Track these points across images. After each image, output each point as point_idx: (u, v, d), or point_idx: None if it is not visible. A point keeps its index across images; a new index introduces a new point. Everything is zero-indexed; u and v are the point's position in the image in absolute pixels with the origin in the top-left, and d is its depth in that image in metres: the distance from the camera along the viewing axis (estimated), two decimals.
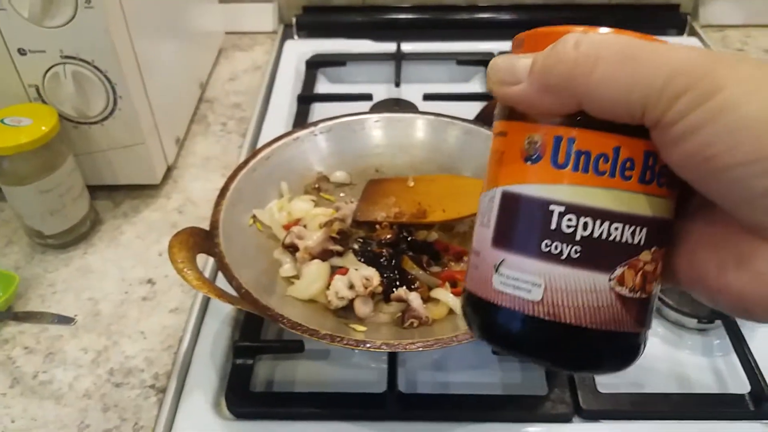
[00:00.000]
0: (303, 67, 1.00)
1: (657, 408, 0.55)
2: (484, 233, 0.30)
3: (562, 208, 0.27)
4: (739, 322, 0.61)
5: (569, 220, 0.27)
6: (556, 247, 0.27)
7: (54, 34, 0.62)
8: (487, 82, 0.31)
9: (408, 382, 0.59)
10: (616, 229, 0.27)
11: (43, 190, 0.65)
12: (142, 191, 0.77)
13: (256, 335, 0.60)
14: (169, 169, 0.80)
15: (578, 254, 0.27)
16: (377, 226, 0.63)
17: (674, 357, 0.61)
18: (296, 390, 0.59)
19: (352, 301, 0.56)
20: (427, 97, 0.90)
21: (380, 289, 0.57)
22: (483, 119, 0.70)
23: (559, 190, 0.27)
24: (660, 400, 0.56)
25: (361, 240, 0.62)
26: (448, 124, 0.71)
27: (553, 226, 0.27)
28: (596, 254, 0.27)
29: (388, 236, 0.62)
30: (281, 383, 0.60)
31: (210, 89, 0.96)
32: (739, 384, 0.58)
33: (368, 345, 0.48)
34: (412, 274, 0.58)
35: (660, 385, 0.59)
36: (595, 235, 0.27)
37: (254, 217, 0.64)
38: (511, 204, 0.29)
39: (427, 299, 0.58)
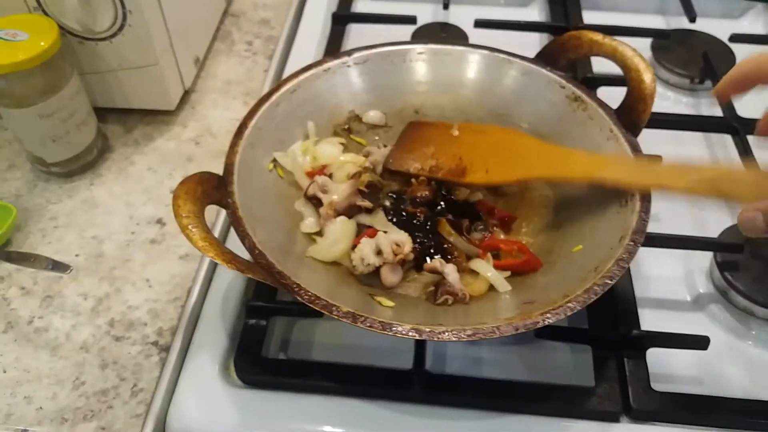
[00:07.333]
0: None
1: (719, 415, 0.49)
2: None
3: None
4: None
5: None
6: None
7: None
8: None
9: (436, 355, 0.53)
10: None
11: (43, 114, 0.58)
12: (156, 117, 0.70)
13: (272, 294, 0.54)
14: (187, 94, 0.72)
15: None
16: (412, 180, 0.55)
17: (738, 348, 0.54)
18: (313, 355, 0.54)
19: (378, 267, 0.50)
20: (479, 23, 0.79)
21: (412, 256, 0.50)
22: (545, 59, 0.60)
23: None
24: (723, 405, 0.49)
25: (393, 196, 0.54)
26: (504, 61, 0.61)
27: None
28: None
29: (425, 193, 0.54)
30: (297, 345, 0.55)
31: (236, 1, 0.86)
32: None
33: (396, 329, 0.42)
34: (450, 242, 0.51)
35: (721, 382, 0.52)
36: None
37: (275, 160, 0.56)
38: None
39: (463, 270, 0.51)
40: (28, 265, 0.52)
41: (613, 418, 0.49)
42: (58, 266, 0.51)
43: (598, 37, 0.57)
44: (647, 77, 0.54)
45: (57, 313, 0.54)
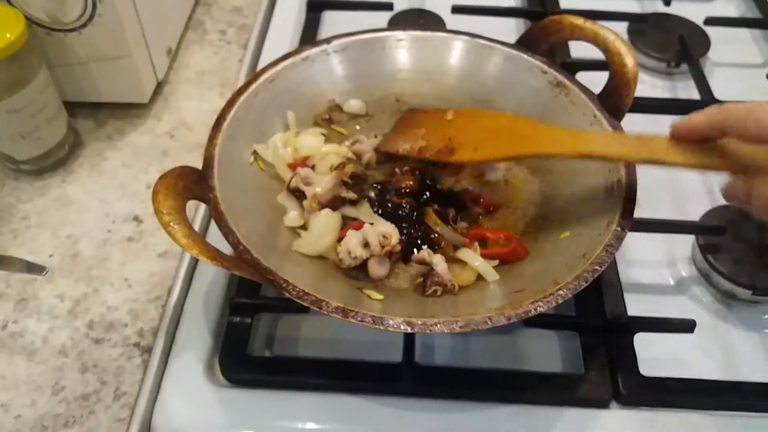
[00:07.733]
0: None
1: (706, 397, 0.49)
2: None
3: None
4: None
5: None
6: None
7: None
8: None
9: (424, 346, 0.53)
10: None
11: (11, 109, 0.56)
12: (129, 111, 0.68)
13: (256, 290, 0.53)
14: (160, 85, 0.70)
15: None
16: (396, 170, 0.54)
17: (722, 330, 0.55)
18: (300, 350, 0.53)
19: (365, 260, 0.49)
20: (457, 9, 0.78)
21: (399, 248, 0.49)
22: (526, 44, 0.60)
23: None
24: (710, 388, 0.49)
25: (378, 186, 0.53)
26: (485, 48, 0.60)
27: None
28: None
29: (410, 183, 0.53)
30: (283, 341, 0.54)
31: None
32: None
33: (387, 323, 0.41)
34: (437, 232, 0.50)
35: (706, 364, 0.53)
36: None
37: (255, 153, 0.55)
38: None
39: (451, 260, 0.50)
40: (0, 268, 0.50)
41: (603, 404, 0.49)
42: (33, 268, 0.49)
43: (579, 21, 0.57)
44: (629, 61, 0.54)
45: (32, 317, 0.52)
